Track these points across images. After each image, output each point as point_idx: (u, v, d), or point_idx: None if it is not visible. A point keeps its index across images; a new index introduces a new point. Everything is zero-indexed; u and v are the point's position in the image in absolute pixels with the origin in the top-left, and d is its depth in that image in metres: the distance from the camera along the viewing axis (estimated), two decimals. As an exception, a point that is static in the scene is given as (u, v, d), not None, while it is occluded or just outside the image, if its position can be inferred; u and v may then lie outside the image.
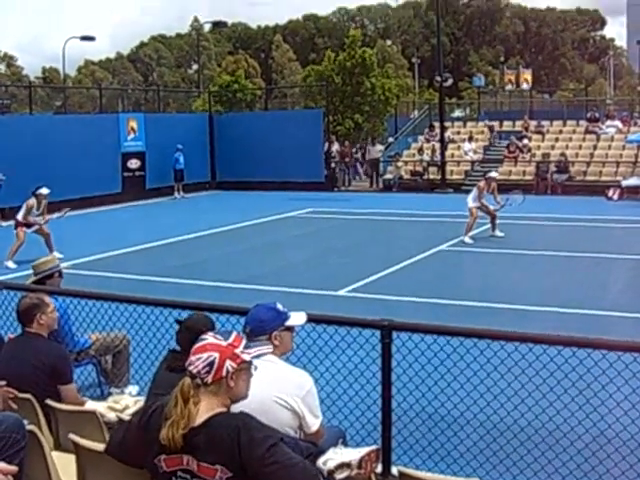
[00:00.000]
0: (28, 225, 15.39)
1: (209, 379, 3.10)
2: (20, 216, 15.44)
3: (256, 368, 3.28)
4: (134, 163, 28.34)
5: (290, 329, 4.32)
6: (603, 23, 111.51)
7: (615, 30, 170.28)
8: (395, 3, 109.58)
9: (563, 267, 14.04)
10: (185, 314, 5.81)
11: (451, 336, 5.09)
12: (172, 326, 5.35)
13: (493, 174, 18.23)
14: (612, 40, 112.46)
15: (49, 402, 4.92)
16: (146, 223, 22.31)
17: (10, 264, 14.60)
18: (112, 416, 4.92)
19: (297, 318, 4.36)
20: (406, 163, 31.66)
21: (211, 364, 3.09)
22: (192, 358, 3.14)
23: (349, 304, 11.19)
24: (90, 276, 13.16)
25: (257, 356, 3.27)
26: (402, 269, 13.92)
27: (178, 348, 5.02)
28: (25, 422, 4.22)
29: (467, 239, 16.52)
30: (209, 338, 3.18)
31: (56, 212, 15.66)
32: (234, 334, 3.23)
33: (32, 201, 15.41)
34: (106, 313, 6.55)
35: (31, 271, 7.36)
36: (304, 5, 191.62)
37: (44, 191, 15.52)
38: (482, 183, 17.49)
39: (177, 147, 28.86)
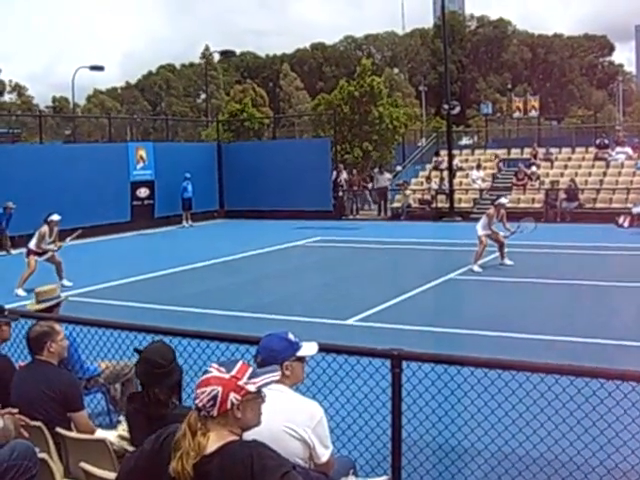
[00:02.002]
0: (40, 253, 15.40)
1: (214, 412, 3.07)
2: (33, 244, 15.43)
3: (265, 396, 3.24)
4: (143, 192, 28.49)
5: (301, 359, 4.30)
6: (611, 49, 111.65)
7: (624, 55, 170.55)
8: (402, 31, 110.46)
9: (573, 296, 13.96)
10: (194, 343, 5.81)
11: (462, 366, 5.06)
12: (181, 355, 5.27)
13: (502, 200, 17.79)
14: (621, 65, 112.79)
15: (59, 430, 4.91)
16: (155, 252, 22.33)
17: (20, 292, 14.60)
18: (121, 445, 4.90)
19: (309, 348, 4.34)
20: (414, 191, 31.65)
21: (214, 398, 3.06)
22: (197, 391, 3.11)
23: (358, 333, 11.13)
24: (100, 304, 13.18)
25: (265, 384, 3.20)
26: (411, 298, 13.85)
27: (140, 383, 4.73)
28: (36, 450, 4.23)
29: (476, 267, 16.43)
30: (213, 371, 3.14)
31: (68, 237, 15.70)
32: (239, 365, 3.17)
33: (45, 228, 15.40)
34: (115, 341, 6.54)
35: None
36: (311, 34, 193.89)
37: (55, 218, 15.56)
38: (491, 210, 17.29)
39: (185, 176, 29.00)
